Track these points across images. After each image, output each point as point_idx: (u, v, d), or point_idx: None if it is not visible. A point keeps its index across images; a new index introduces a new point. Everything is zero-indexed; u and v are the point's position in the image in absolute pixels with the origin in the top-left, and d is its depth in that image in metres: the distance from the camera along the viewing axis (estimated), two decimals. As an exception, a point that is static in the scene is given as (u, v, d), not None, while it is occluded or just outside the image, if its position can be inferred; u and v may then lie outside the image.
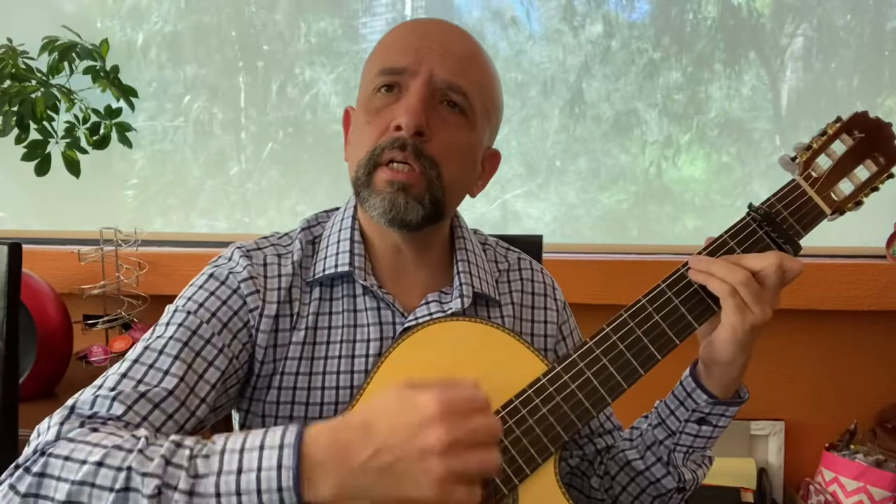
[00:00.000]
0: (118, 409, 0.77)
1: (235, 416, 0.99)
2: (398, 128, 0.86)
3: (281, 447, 0.68)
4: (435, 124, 0.87)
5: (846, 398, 2.07)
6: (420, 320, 0.91)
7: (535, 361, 0.85)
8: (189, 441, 0.72)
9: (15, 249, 1.29)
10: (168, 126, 2.24)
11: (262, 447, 0.69)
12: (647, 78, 2.15)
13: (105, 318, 1.88)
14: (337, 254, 0.93)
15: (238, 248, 0.95)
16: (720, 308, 0.85)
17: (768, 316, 0.83)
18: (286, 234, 1.00)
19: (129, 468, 0.68)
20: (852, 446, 1.96)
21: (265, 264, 0.93)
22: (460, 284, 0.95)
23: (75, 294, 1.89)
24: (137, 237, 1.94)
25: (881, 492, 1.85)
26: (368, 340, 0.92)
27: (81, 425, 0.74)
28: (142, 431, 0.73)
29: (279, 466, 0.67)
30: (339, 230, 0.96)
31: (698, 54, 2.14)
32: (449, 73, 0.88)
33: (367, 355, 0.92)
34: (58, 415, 0.76)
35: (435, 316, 0.92)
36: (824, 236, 2.10)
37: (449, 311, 0.93)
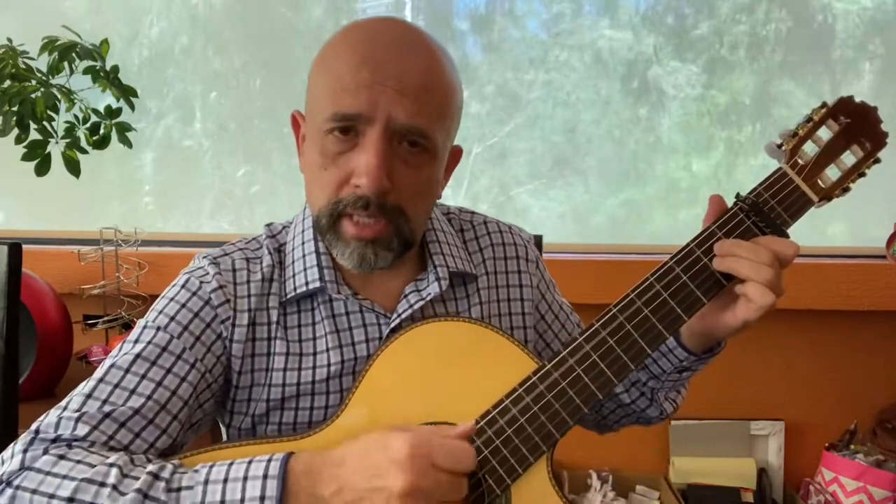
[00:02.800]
0: (82, 429, 0.76)
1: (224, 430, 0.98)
2: (358, 185, 0.82)
3: (265, 477, 0.70)
4: (397, 170, 0.83)
5: (846, 398, 2.07)
6: (402, 315, 0.90)
7: (526, 360, 0.85)
8: (166, 471, 0.72)
9: (15, 249, 1.29)
10: (172, 125, 2.24)
11: (245, 478, 0.71)
12: (657, 77, 2.15)
13: (105, 318, 1.88)
14: (305, 270, 0.91)
15: (205, 256, 0.93)
16: (708, 300, 0.86)
17: (776, 301, 0.83)
18: (254, 238, 0.97)
19: None
20: (852, 446, 1.96)
21: (234, 270, 0.91)
22: (435, 267, 0.93)
23: (75, 294, 1.89)
24: (137, 237, 1.95)
25: (881, 492, 1.85)
26: (354, 344, 0.91)
27: (45, 451, 0.74)
28: (114, 458, 0.73)
29: (262, 497, 0.69)
30: (303, 244, 0.93)
31: (708, 55, 2.15)
32: (408, 115, 0.81)
33: (355, 358, 0.91)
34: (21, 441, 0.76)
35: (415, 306, 0.91)
36: (824, 236, 2.12)
37: (428, 297, 0.91)
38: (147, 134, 2.21)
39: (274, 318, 0.90)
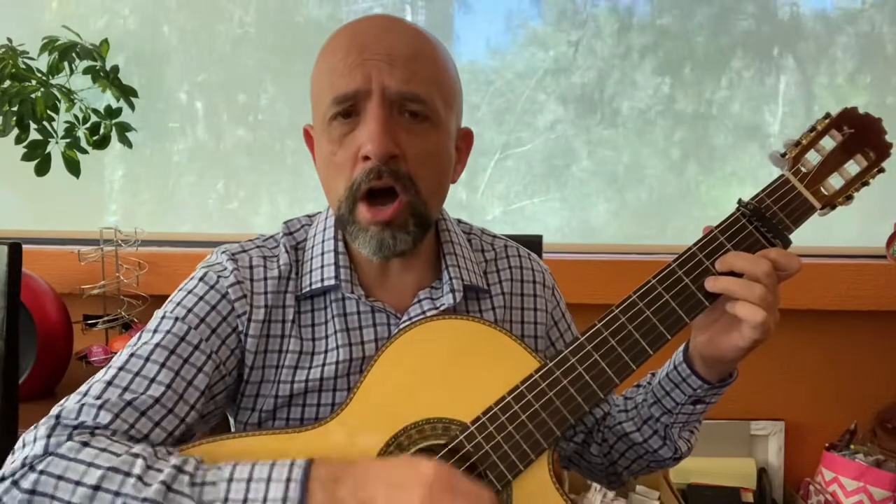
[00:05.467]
0: (105, 417, 0.77)
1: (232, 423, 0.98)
2: (367, 157, 0.84)
3: (288, 481, 0.72)
4: (402, 139, 0.85)
5: (846, 398, 2.07)
6: (413, 319, 0.91)
7: (528, 358, 0.85)
8: (190, 465, 0.73)
9: (15, 249, 1.29)
10: (171, 125, 2.25)
11: (269, 479, 0.72)
12: (653, 80, 2.16)
13: (105, 318, 1.89)
14: (322, 267, 0.93)
15: (224, 251, 0.95)
16: (710, 303, 0.86)
17: (777, 315, 0.85)
18: (271, 236, 0.99)
19: (128, 495, 0.70)
20: (852, 446, 1.96)
21: (251, 266, 0.93)
22: (450, 279, 0.95)
23: (75, 294, 1.89)
24: (137, 237, 1.95)
25: (881, 492, 1.85)
26: (363, 343, 0.92)
27: (69, 437, 0.75)
28: (139, 449, 0.74)
29: (284, 499, 0.71)
30: (322, 241, 0.95)
31: (710, 57, 2.15)
32: (401, 83, 0.84)
33: (363, 357, 0.92)
34: (43, 426, 0.76)
35: (428, 313, 0.92)
36: (824, 236, 2.12)
37: (442, 307, 0.93)
38: (149, 134, 2.21)
39: (289, 317, 0.92)
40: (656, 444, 0.99)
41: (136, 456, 0.72)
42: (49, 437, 0.75)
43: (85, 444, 0.74)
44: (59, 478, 0.71)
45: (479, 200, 2.24)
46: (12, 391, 1.27)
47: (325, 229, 0.96)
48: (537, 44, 2.18)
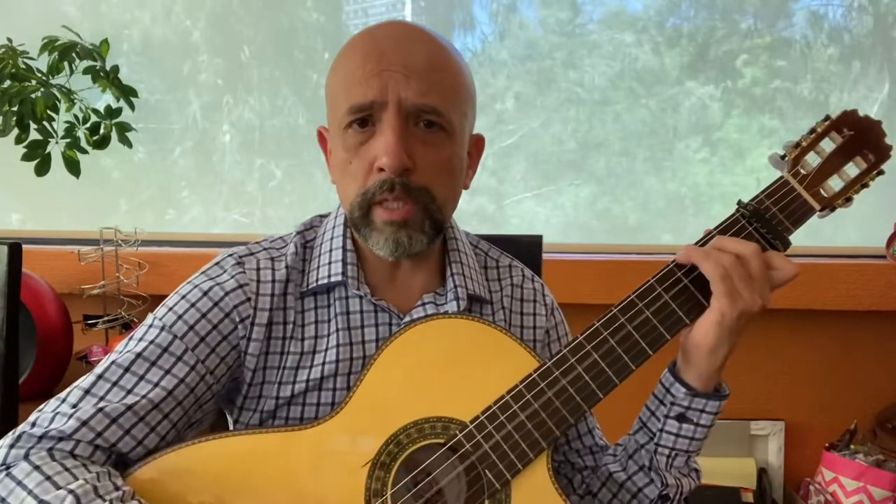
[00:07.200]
0: (73, 424, 0.78)
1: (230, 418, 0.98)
2: (382, 168, 0.85)
3: None
4: (417, 151, 0.86)
5: (846, 398, 2.07)
6: (415, 320, 0.91)
7: (528, 358, 0.85)
8: None
9: (15, 249, 1.30)
10: (175, 126, 2.25)
11: None
12: (647, 83, 2.16)
13: (105, 318, 1.89)
14: (329, 263, 0.93)
15: (230, 255, 0.94)
16: (710, 304, 0.85)
17: (757, 306, 0.83)
18: (280, 237, 0.99)
19: None
20: (852, 446, 1.95)
21: (258, 269, 0.92)
22: (455, 286, 0.96)
23: (75, 294, 1.90)
24: (137, 237, 1.95)
25: (881, 492, 1.85)
26: (364, 342, 0.92)
27: (27, 454, 0.76)
28: (78, 484, 0.73)
29: None
30: (332, 238, 0.96)
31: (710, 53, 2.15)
32: (417, 95, 0.84)
33: (363, 357, 0.92)
34: (12, 434, 0.78)
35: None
36: (825, 236, 2.12)
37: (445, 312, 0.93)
38: (152, 131, 2.22)
39: (291, 318, 0.92)
40: (641, 481, 0.92)
41: (70, 493, 0.72)
42: (12, 446, 0.77)
43: (36, 468, 0.74)
44: (2, 500, 0.72)
45: (477, 199, 2.24)
46: (12, 391, 1.27)
47: (334, 227, 0.97)
48: (529, 34, 2.18)
